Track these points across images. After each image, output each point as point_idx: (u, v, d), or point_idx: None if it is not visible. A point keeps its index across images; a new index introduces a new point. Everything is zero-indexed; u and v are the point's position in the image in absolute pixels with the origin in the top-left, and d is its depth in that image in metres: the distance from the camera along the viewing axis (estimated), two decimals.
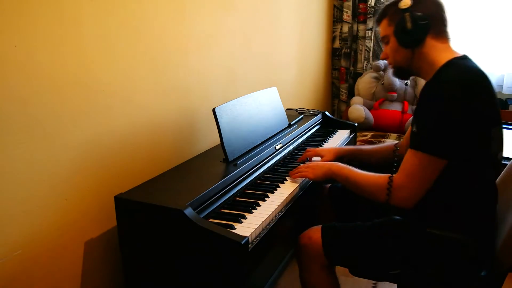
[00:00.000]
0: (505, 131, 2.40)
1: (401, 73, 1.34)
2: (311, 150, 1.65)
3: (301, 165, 1.49)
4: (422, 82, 2.96)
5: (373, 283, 1.30)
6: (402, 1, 1.20)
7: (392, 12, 1.25)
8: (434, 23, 1.19)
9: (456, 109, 1.07)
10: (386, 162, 1.54)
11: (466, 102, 1.07)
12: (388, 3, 1.31)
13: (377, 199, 1.21)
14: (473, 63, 1.18)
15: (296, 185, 1.42)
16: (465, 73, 1.13)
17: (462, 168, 1.13)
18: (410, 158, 1.15)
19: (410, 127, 1.48)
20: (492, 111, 1.13)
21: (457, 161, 1.11)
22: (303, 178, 1.46)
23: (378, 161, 1.60)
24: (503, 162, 1.66)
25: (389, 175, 1.19)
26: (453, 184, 1.15)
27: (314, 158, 1.62)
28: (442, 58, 1.18)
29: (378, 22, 1.32)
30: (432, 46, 1.20)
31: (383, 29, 1.29)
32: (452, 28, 1.24)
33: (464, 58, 1.20)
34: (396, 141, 1.62)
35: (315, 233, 1.29)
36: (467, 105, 1.07)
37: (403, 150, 1.52)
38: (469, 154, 1.11)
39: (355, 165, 1.35)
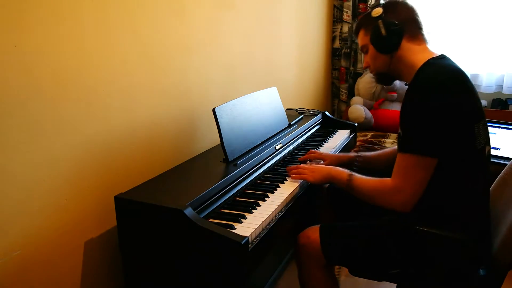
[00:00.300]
0: (505, 131, 2.41)
1: (383, 79, 1.37)
2: (315, 152, 1.66)
3: (301, 165, 1.49)
4: None
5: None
6: (374, 10, 1.25)
7: (366, 22, 1.31)
8: (408, 27, 1.23)
9: (435, 107, 1.09)
10: (388, 168, 1.54)
11: (444, 99, 1.10)
12: (361, 15, 1.35)
13: (378, 204, 1.22)
14: (450, 62, 1.21)
15: (296, 185, 1.42)
16: (441, 72, 1.15)
17: (452, 166, 1.15)
18: (401, 162, 1.17)
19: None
20: (472, 107, 1.15)
21: (445, 158, 1.13)
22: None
23: (381, 168, 1.59)
24: (503, 162, 1.66)
25: (390, 179, 1.20)
26: (445, 182, 1.16)
27: (316, 160, 1.63)
28: (419, 59, 1.21)
29: (356, 34, 1.37)
30: (408, 49, 1.24)
31: (361, 39, 1.35)
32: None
33: (442, 57, 1.22)
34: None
35: (313, 232, 1.29)
36: (445, 103, 1.09)
37: None
38: (455, 150, 1.13)
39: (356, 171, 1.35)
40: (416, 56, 1.22)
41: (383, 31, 1.22)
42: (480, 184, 1.21)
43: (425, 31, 1.27)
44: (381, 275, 1.29)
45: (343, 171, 1.34)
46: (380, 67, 1.31)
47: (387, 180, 1.20)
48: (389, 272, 1.24)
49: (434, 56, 1.22)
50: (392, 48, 1.24)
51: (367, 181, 1.27)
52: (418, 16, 1.27)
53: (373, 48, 1.28)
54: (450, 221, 1.18)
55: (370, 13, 1.28)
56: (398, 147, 1.21)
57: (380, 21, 1.23)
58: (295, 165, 1.48)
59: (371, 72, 1.38)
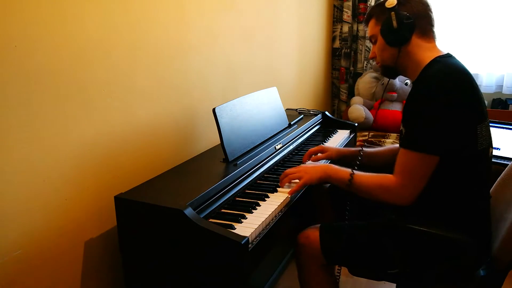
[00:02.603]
0: (505, 131, 2.41)
1: (388, 72, 1.35)
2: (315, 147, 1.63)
3: (289, 169, 1.41)
4: None
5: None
6: (388, 1, 1.23)
7: (378, 11, 1.28)
8: (420, 22, 1.22)
9: (441, 106, 1.10)
10: (389, 165, 1.53)
11: (450, 99, 1.10)
12: (375, 4, 1.33)
13: (380, 200, 1.22)
14: (456, 61, 1.20)
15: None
16: (448, 71, 1.15)
17: (454, 166, 1.15)
18: (403, 158, 1.18)
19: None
20: (477, 108, 1.15)
21: (447, 157, 1.13)
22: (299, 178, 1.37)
23: (380, 164, 1.58)
24: (503, 162, 1.66)
25: (392, 175, 1.20)
26: (446, 182, 1.16)
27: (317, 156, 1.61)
28: (426, 57, 1.21)
29: (366, 22, 1.35)
30: (417, 45, 1.23)
31: (371, 28, 1.32)
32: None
33: (448, 56, 1.22)
34: (397, 143, 1.61)
35: (313, 232, 1.29)
36: (451, 102, 1.10)
37: None
38: (457, 149, 1.13)
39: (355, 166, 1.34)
40: (424, 53, 1.22)
41: (394, 23, 1.20)
42: (482, 185, 1.21)
43: (435, 28, 1.26)
44: (380, 274, 1.29)
45: (340, 169, 1.31)
46: (387, 59, 1.29)
47: (389, 176, 1.21)
48: (388, 272, 1.24)
49: (441, 54, 1.22)
50: (401, 42, 1.23)
51: (369, 178, 1.26)
52: (431, 12, 1.25)
53: (382, 40, 1.26)
54: (450, 221, 1.18)
55: (383, 3, 1.25)
56: (400, 143, 1.21)
57: (392, 12, 1.21)
58: (283, 173, 1.39)
59: (377, 63, 1.36)
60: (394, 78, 1.37)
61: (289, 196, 1.33)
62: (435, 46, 1.25)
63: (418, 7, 1.23)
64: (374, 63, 3.06)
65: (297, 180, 1.36)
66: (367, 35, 1.35)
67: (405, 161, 1.17)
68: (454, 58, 1.22)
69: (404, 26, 1.20)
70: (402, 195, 1.18)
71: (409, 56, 1.24)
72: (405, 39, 1.22)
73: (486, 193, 1.23)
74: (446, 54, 1.23)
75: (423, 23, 1.23)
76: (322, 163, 1.55)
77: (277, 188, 1.38)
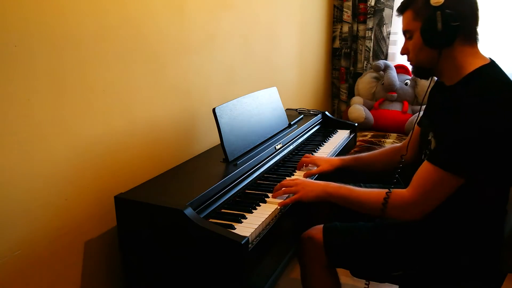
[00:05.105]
0: None
1: (421, 73, 1.23)
2: (308, 156, 1.58)
3: (287, 179, 1.37)
4: (422, 82, 2.96)
5: (366, 283, 1.27)
6: None
7: (419, 5, 1.13)
8: (466, 24, 1.10)
9: (486, 129, 1.01)
10: (388, 169, 1.47)
11: (497, 122, 1.02)
12: None
13: (389, 216, 1.15)
14: (503, 73, 1.11)
15: None
16: (498, 90, 1.05)
17: (479, 184, 1.09)
18: (427, 173, 1.09)
19: (416, 126, 1.41)
20: None
21: (475, 178, 1.07)
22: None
23: (378, 168, 1.53)
24: None
25: (405, 190, 1.13)
26: (465, 195, 1.10)
27: (310, 166, 1.57)
28: (470, 63, 1.11)
29: (401, 12, 1.20)
30: (460, 49, 1.12)
31: (407, 22, 1.18)
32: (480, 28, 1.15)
33: (492, 65, 1.13)
34: (397, 143, 1.57)
35: (317, 233, 1.28)
36: (497, 125, 1.02)
37: (409, 153, 1.46)
38: (491, 174, 1.08)
39: (355, 175, 1.31)
40: (467, 59, 1.12)
41: (439, 25, 1.07)
42: (501, 196, 1.15)
43: (479, 29, 1.14)
44: (383, 276, 1.28)
45: (341, 187, 1.24)
46: (423, 60, 1.17)
47: (402, 192, 1.13)
48: (392, 274, 1.22)
49: (485, 62, 1.12)
50: (444, 45, 1.10)
51: (375, 195, 1.17)
52: (478, 11, 1.12)
53: (420, 38, 1.13)
54: (458, 226, 1.16)
55: None
56: (428, 156, 1.12)
57: (439, 12, 1.06)
58: (279, 184, 1.32)
59: (408, 61, 1.22)
60: (426, 79, 1.25)
61: (279, 207, 1.26)
62: (478, 51, 1.14)
63: (467, 7, 1.10)
64: (374, 62, 3.06)
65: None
66: (402, 28, 1.19)
67: (426, 176, 1.09)
68: (498, 67, 1.13)
69: (449, 29, 1.07)
70: (410, 212, 1.11)
71: (450, 61, 1.13)
72: (447, 43, 1.10)
73: (505, 205, 1.17)
74: (490, 62, 1.13)
75: (469, 25, 1.11)
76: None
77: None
